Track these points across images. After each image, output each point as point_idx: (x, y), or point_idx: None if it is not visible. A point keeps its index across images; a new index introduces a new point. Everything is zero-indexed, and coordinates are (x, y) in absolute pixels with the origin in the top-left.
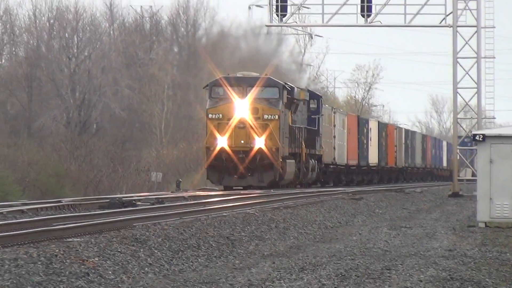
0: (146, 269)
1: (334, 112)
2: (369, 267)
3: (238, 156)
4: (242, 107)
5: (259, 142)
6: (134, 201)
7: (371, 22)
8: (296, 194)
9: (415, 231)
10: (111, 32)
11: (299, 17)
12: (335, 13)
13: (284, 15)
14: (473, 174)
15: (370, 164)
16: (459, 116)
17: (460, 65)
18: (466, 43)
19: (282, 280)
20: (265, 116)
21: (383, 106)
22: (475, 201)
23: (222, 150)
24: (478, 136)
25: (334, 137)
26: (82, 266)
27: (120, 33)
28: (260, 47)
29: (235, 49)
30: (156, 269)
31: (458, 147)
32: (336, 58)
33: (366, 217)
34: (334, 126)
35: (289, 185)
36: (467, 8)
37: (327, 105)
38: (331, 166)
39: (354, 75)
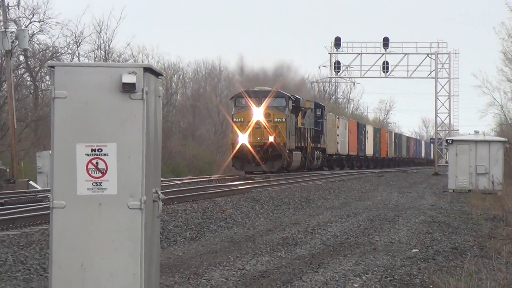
0: (259, 216)
1: (338, 118)
2: (386, 214)
3: (255, 149)
4: (258, 113)
5: (271, 139)
6: (252, 177)
7: (388, 75)
8: (343, 174)
9: (413, 194)
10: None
11: (347, 73)
12: (368, 70)
13: (339, 71)
14: (446, 162)
15: (367, 155)
16: (438, 129)
17: (439, 100)
18: (442, 87)
19: (337, 222)
20: (275, 119)
21: (395, 123)
22: (447, 177)
23: (243, 144)
24: (449, 140)
25: (338, 135)
26: (223, 214)
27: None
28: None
29: (310, 89)
30: (265, 216)
31: (438, 146)
32: (368, 96)
33: (385, 186)
34: (338, 127)
35: (298, 169)
36: (442, 68)
37: (331, 113)
38: (334, 156)
39: (379, 105)
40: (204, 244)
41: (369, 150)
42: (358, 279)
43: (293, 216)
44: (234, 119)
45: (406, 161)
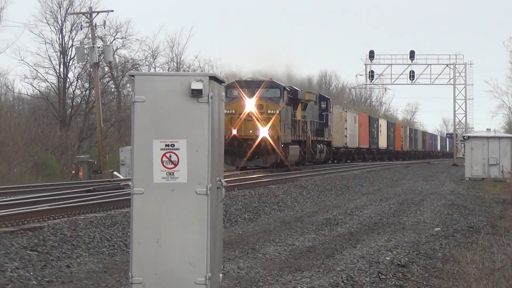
0: (306, 200)
1: (346, 111)
2: (413, 199)
3: (246, 143)
4: (250, 104)
5: (263, 132)
6: (300, 168)
7: (414, 82)
8: (376, 165)
9: (435, 182)
10: None
11: (379, 80)
12: (397, 78)
13: (373, 79)
14: (463, 155)
15: (380, 148)
16: (456, 127)
17: (457, 103)
18: (460, 92)
19: (371, 205)
20: (269, 111)
21: (420, 122)
22: (464, 168)
23: (234, 138)
24: (465, 136)
25: (346, 128)
26: (276, 199)
27: None
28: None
29: (349, 95)
30: (311, 200)
31: (456, 141)
32: (398, 100)
33: (412, 175)
34: (346, 121)
35: (297, 163)
36: (460, 76)
37: (338, 106)
38: (342, 149)
39: (406, 108)
40: (260, 224)
41: (382, 143)
42: (389, 253)
43: (335, 200)
44: (225, 111)
45: (422, 154)
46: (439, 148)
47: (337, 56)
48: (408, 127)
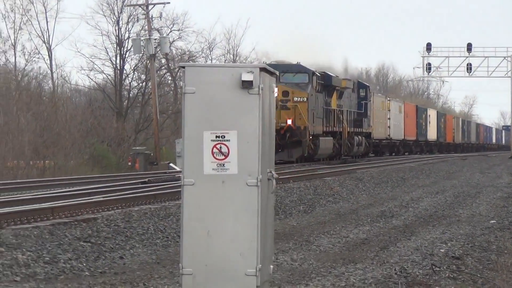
0: (362, 192)
1: (389, 100)
2: (469, 191)
3: None
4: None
5: (289, 121)
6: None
7: (471, 74)
8: (432, 158)
9: (492, 174)
10: None
11: (437, 73)
12: (454, 71)
13: (430, 71)
14: None
15: (429, 140)
16: None
17: None
18: None
19: (427, 198)
20: (295, 99)
21: (477, 115)
22: None
23: None
24: None
25: (389, 119)
26: (331, 191)
27: None
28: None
29: (406, 87)
30: (367, 192)
31: None
32: (455, 92)
33: (468, 168)
34: (389, 110)
35: (329, 158)
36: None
37: (380, 94)
38: (384, 141)
39: (463, 100)
40: (315, 216)
41: (432, 135)
42: (444, 245)
43: (390, 193)
44: None
45: (475, 146)
46: (494, 140)
47: (395, 49)
48: (460, 118)
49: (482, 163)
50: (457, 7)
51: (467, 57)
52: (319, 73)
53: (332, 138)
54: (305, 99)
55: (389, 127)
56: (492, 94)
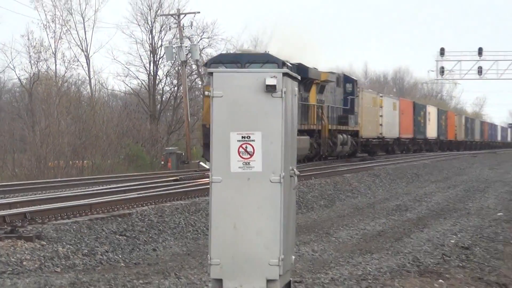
0: (378, 188)
1: (381, 97)
2: (479, 186)
3: None
4: None
5: None
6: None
7: (482, 77)
8: (445, 155)
9: (500, 170)
10: None
11: (450, 75)
12: (466, 73)
13: (443, 74)
14: None
15: (428, 137)
16: None
17: None
18: None
19: (439, 192)
20: None
21: (487, 114)
22: None
23: None
24: None
25: (381, 116)
26: (350, 186)
27: None
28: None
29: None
30: (383, 188)
31: None
32: (467, 94)
33: (478, 164)
34: (381, 107)
35: (310, 158)
36: None
37: (370, 90)
38: (374, 140)
39: (475, 101)
40: (335, 210)
41: (431, 133)
42: (454, 236)
43: (405, 188)
44: (206, 93)
45: (479, 144)
46: (499, 138)
47: (410, 53)
48: (463, 116)
49: (491, 160)
50: (469, 13)
51: (478, 60)
52: (291, 64)
53: (308, 137)
54: None
55: (381, 124)
56: (502, 95)
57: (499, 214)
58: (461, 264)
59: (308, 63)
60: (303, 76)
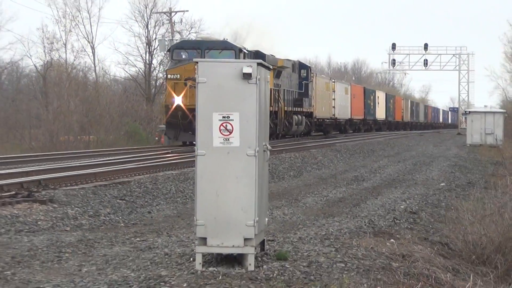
0: (339, 161)
1: (334, 82)
2: (424, 160)
3: (192, 114)
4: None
5: None
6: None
7: (427, 68)
8: (393, 134)
9: (443, 147)
10: None
11: (400, 66)
12: (414, 65)
13: (394, 65)
14: (465, 126)
15: (378, 119)
16: (461, 104)
17: (461, 85)
18: (463, 76)
19: (391, 165)
20: None
21: (432, 100)
22: (465, 136)
23: (177, 108)
24: (467, 111)
25: (334, 99)
26: (315, 160)
27: None
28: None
29: (376, 78)
30: (343, 161)
31: (463, 116)
32: (414, 82)
33: (424, 142)
34: (334, 91)
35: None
36: (463, 63)
37: (323, 75)
38: (327, 120)
39: (421, 89)
40: (302, 180)
41: (380, 115)
42: (403, 202)
43: (362, 161)
44: (169, 76)
45: (424, 125)
46: (441, 120)
47: (366, 47)
48: (409, 100)
49: (435, 138)
50: (417, 12)
51: (424, 54)
52: (248, 51)
53: None
54: None
55: (333, 107)
56: (444, 84)
57: (441, 184)
58: (409, 226)
59: (278, 53)
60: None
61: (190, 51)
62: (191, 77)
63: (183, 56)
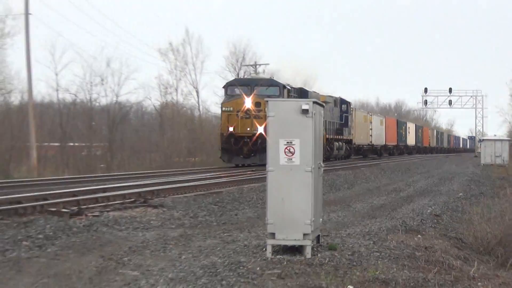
0: (383, 176)
1: (371, 115)
2: (448, 176)
3: (243, 140)
4: (248, 102)
5: (260, 129)
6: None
7: (451, 106)
8: (426, 157)
9: (463, 166)
10: None
11: (431, 105)
12: (441, 104)
13: (427, 104)
14: (479, 150)
15: (408, 144)
16: (478, 133)
17: (477, 119)
18: (479, 113)
19: (422, 180)
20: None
21: (456, 130)
22: (480, 158)
23: (230, 135)
24: (481, 139)
25: (371, 129)
26: (364, 175)
27: None
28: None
29: (412, 114)
30: (386, 176)
31: (478, 142)
32: (442, 117)
33: (448, 162)
34: (371, 123)
35: None
36: (479, 102)
37: (362, 110)
38: (365, 146)
39: (447, 122)
40: (354, 190)
41: (411, 141)
42: (430, 207)
43: (400, 177)
44: (224, 108)
45: (447, 149)
46: (461, 145)
47: (406, 90)
48: (435, 130)
49: (457, 160)
50: (443, 63)
51: (448, 96)
52: (291, 87)
53: None
54: None
55: (370, 135)
56: (465, 118)
57: (460, 194)
58: (433, 226)
59: (347, 97)
60: (304, 97)
61: (241, 87)
62: (241, 109)
63: (236, 92)
